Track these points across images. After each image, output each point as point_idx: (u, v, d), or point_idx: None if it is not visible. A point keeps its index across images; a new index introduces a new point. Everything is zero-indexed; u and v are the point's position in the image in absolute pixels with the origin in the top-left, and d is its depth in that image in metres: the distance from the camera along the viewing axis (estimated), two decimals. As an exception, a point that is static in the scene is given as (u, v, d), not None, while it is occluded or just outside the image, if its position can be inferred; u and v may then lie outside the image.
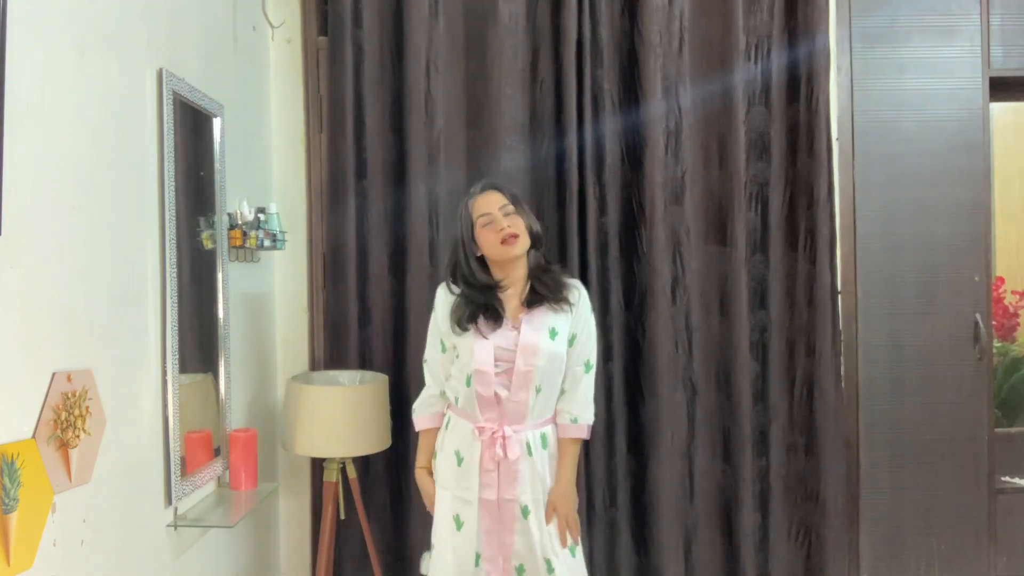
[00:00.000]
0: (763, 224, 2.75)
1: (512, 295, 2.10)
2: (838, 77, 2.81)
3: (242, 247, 2.41)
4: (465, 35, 2.74)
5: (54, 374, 1.50)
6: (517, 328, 2.05)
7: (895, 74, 2.86)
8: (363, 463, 2.65)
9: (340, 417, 2.37)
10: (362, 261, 2.70)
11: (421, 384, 2.67)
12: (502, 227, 2.04)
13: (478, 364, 2.02)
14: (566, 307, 2.09)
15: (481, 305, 2.07)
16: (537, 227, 2.14)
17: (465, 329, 2.06)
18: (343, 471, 2.48)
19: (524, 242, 2.07)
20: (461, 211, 2.13)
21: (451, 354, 2.12)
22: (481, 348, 2.03)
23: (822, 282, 2.70)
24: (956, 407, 2.85)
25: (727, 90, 2.71)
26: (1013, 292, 3.63)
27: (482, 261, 2.12)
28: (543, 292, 2.08)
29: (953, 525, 2.85)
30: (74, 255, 1.60)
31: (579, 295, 2.13)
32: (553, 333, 2.06)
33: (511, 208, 2.08)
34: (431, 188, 2.70)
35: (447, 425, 2.15)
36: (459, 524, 2.07)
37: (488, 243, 2.07)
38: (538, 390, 2.04)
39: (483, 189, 2.13)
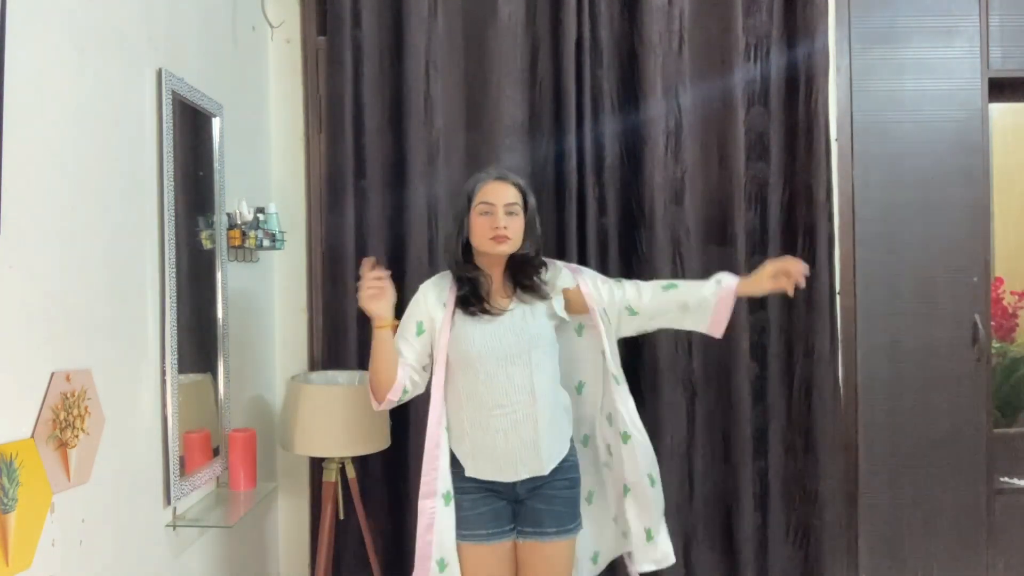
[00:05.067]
0: (762, 224, 2.75)
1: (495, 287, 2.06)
2: (837, 78, 2.81)
3: (241, 247, 2.41)
4: (464, 35, 2.74)
5: (53, 374, 1.50)
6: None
7: (894, 75, 2.86)
8: (362, 463, 2.65)
9: (339, 417, 2.37)
10: (361, 261, 2.70)
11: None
12: (497, 225, 1.97)
13: None
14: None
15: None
16: (537, 232, 2.08)
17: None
18: (342, 471, 2.48)
19: (514, 244, 2.00)
20: (468, 185, 2.04)
21: None
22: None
23: (821, 282, 2.70)
24: (955, 408, 2.85)
25: (726, 90, 2.72)
26: (1012, 293, 3.64)
27: (467, 249, 2.04)
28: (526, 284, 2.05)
29: (952, 525, 2.86)
30: (73, 255, 1.60)
31: (554, 277, 2.09)
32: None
33: (516, 207, 1.99)
34: (430, 188, 2.70)
35: None
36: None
37: (479, 233, 1.99)
38: None
39: (498, 178, 2.02)
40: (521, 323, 2.00)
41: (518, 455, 2.00)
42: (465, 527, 2.00)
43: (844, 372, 2.81)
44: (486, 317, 1.99)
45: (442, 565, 1.98)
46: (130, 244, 1.83)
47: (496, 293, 2.04)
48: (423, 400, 2.67)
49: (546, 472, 2.02)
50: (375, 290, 1.92)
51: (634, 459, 2.07)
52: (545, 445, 2.01)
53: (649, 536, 2.12)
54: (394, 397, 2.00)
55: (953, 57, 2.86)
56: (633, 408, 2.10)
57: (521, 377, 1.98)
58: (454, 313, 2.01)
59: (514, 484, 2.03)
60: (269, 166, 2.81)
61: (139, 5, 1.87)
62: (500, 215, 1.97)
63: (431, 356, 2.03)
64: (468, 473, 2.01)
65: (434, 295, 2.03)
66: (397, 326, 2.02)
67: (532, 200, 2.06)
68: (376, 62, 2.71)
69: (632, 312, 2.09)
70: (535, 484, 2.03)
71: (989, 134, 2.91)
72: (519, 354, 1.98)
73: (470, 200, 2.01)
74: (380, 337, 1.96)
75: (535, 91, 2.72)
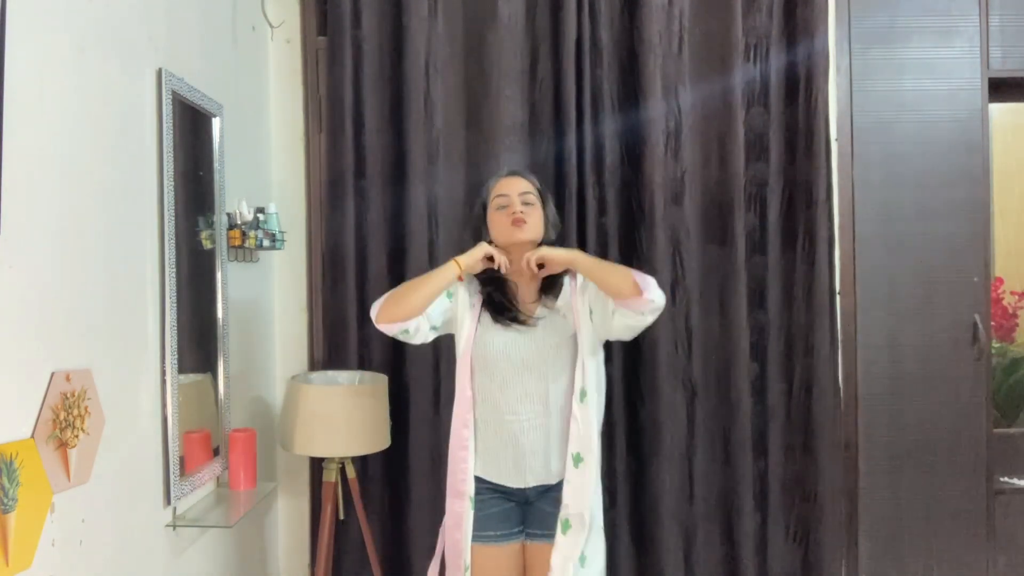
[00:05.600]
0: (762, 224, 2.75)
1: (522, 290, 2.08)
2: (837, 78, 2.81)
3: (241, 247, 2.41)
4: (464, 35, 2.74)
5: (53, 374, 1.50)
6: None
7: (894, 75, 2.86)
8: (362, 463, 2.65)
9: (339, 417, 2.37)
10: (361, 261, 2.70)
11: (420, 384, 2.70)
12: (514, 210, 1.99)
13: None
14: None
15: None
16: (556, 224, 2.13)
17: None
18: (342, 471, 2.48)
19: (533, 230, 2.01)
20: (483, 190, 2.12)
21: None
22: None
23: (821, 282, 2.70)
24: (955, 407, 2.85)
25: (726, 90, 2.71)
26: (1012, 292, 3.63)
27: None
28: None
29: (952, 525, 2.85)
30: (73, 255, 1.60)
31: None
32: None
33: (532, 197, 2.04)
34: (430, 188, 2.70)
35: None
36: None
37: (498, 226, 2.03)
38: None
39: (508, 173, 2.10)
40: (543, 334, 2.01)
41: (527, 463, 2.00)
42: (475, 528, 2.00)
43: (844, 372, 2.80)
44: (511, 324, 2.00)
45: (466, 567, 1.99)
46: (130, 244, 1.83)
47: (524, 299, 2.06)
48: (423, 400, 2.69)
49: (554, 482, 2.02)
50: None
51: (583, 485, 1.97)
52: (555, 457, 2.01)
53: (583, 561, 2.00)
54: (396, 328, 1.98)
55: (953, 57, 2.86)
56: (595, 431, 2.01)
57: (536, 387, 1.99)
58: (480, 315, 2.04)
59: (524, 489, 2.03)
60: (269, 166, 2.81)
61: (139, 5, 1.87)
62: (516, 202, 2.01)
63: (439, 326, 2.05)
64: (476, 472, 2.02)
65: (464, 286, 2.07)
66: (462, 278, 2.02)
67: (546, 196, 2.12)
68: (376, 62, 2.71)
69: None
70: (545, 487, 2.03)
71: (989, 134, 2.91)
72: (536, 364, 1.99)
73: (486, 203, 2.07)
74: (449, 268, 1.98)
75: (535, 91, 2.72)
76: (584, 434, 1.97)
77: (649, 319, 1.92)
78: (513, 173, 2.10)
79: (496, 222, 2.04)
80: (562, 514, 1.98)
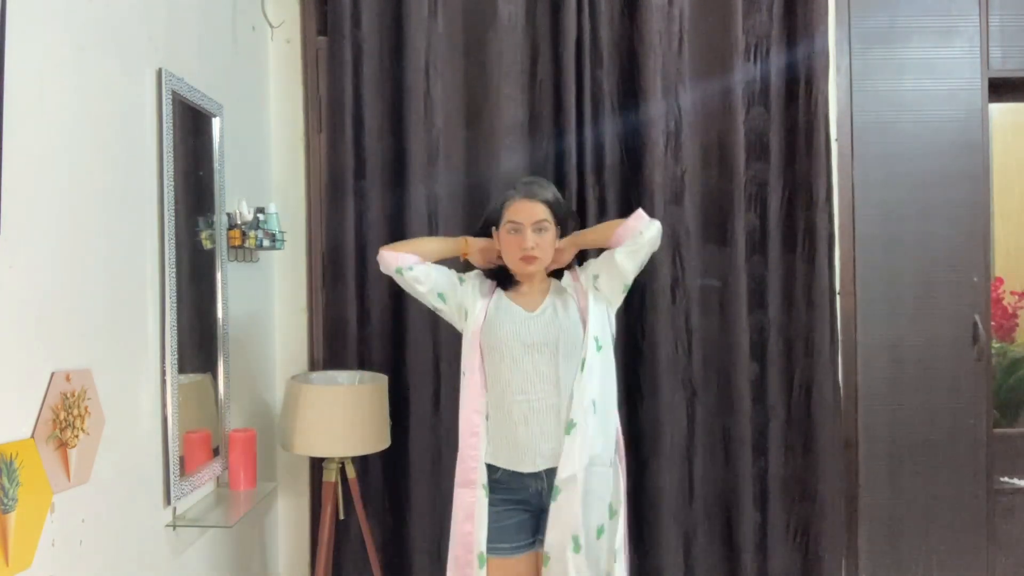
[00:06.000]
0: (762, 224, 2.75)
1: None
2: (837, 78, 2.81)
3: (241, 247, 2.41)
4: (464, 35, 2.74)
5: (53, 374, 1.50)
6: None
7: (894, 75, 2.86)
8: (362, 463, 2.65)
9: (339, 417, 2.37)
10: (361, 261, 2.70)
11: (420, 384, 2.70)
12: (526, 246, 2.01)
13: None
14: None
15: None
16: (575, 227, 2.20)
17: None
18: (342, 471, 2.48)
19: (543, 262, 2.06)
20: (498, 201, 2.13)
21: None
22: None
23: (821, 282, 2.70)
24: (955, 407, 2.85)
25: (726, 91, 2.72)
26: (1012, 292, 3.63)
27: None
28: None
29: (951, 525, 2.86)
30: (73, 255, 1.60)
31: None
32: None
33: (547, 224, 2.04)
34: (430, 188, 2.70)
35: None
36: None
37: (509, 251, 2.07)
38: None
39: (527, 196, 2.05)
40: (552, 315, 2.06)
41: (536, 446, 2.00)
42: (489, 540, 2.00)
43: (844, 372, 2.81)
44: (520, 310, 2.06)
45: (482, 560, 1.98)
46: (130, 244, 1.83)
47: (535, 295, 2.11)
48: (423, 400, 2.69)
49: None
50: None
51: (573, 449, 1.97)
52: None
53: (576, 547, 1.96)
54: (399, 260, 2.08)
55: (953, 57, 2.86)
56: (592, 391, 2.00)
57: (547, 367, 2.01)
58: (492, 302, 2.09)
59: (540, 491, 2.02)
60: (269, 166, 2.81)
61: (139, 5, 1.87)
62: (528, 234, 2.03)
63: (445, 295, 2.11)
64: (487, 460, 2.02)
65: (478, 281, 2.15)
66: (466, 256, 2.18)
67: (564, 209, 2.13)
68: (376, 62, 2.71)
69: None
70: (554, 470, 2.00)
71: (989, 134, 2.91)
72: (546, 343, 2.02)
73: (500, 214, 2.09)
74: (454, 241, 2.19)
75: (535, 91, 2.72)
76: (578, 404, 1.99)
77: (647, 235, 2.01)
78: (532, 196, 2.05)
79: (507, 246, 2.07)
80: (555, 485, 1.98)
